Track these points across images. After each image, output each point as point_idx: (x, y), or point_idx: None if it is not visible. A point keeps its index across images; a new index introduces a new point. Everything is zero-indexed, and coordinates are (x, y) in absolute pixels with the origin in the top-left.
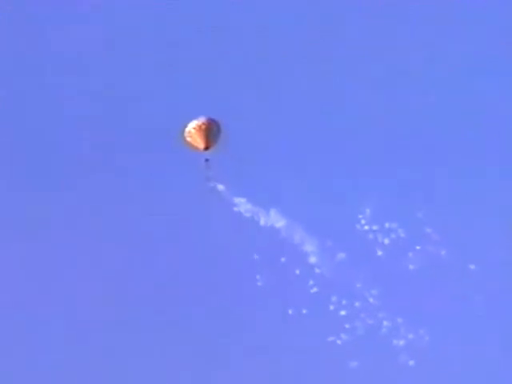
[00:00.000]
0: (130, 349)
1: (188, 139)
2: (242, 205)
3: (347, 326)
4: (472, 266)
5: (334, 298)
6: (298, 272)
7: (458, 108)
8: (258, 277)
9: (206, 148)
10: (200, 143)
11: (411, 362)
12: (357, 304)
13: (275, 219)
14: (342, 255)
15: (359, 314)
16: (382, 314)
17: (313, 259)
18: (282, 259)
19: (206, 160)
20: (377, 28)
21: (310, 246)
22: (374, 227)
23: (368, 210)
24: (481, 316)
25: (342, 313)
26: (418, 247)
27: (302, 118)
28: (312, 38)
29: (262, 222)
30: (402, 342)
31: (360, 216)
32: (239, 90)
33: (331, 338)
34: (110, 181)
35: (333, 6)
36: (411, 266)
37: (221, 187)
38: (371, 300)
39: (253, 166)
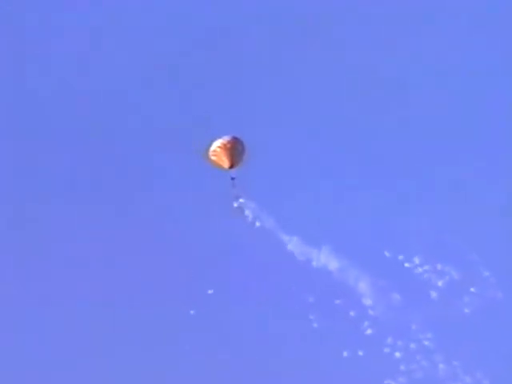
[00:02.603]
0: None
1: (213, 158)
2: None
3: (402, 367)
4: None
5: (389, 340)
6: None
7: None
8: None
9: (231, 166)
10: (225, 162)
11: None
12: (412, 346)
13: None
14: (396, 296)
15: (415, 356)
16: (437, 356)
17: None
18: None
19: (232, 178)
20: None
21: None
22: (426, 268)
23: (422, 250)
24: None
25: (397, 355)
26: (472, 289)
27: (333, 139)
28: (331, 55)
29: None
30: None
31: (414, 257)
32: (263, 108)
33: (387, 381)
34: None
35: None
36: (466, 310)
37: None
38: (426, 343)
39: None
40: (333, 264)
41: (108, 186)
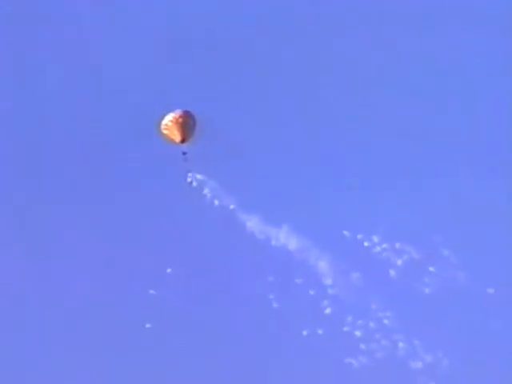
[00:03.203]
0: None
1: (165, 132)
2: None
3: (362, 346)
4: (490, 290)
5: (348, 319)
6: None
7: None
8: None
9: (183, 141)
10: (177, 136)
11: None
12: (372, 325)
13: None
14: (355, 275)
15: (374, 335)
16: (397, 335)
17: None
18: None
19: (184, 153)
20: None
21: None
22: (385, 246)
23: (380, 229)
24: (498, 338)
25: (357, 333)
26: (431, 269)
27: (293, 119)
28: (297, 33)
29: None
30: (419, 364)
31: (373, 236)
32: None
33: (348, 360)
34: (88, 176)
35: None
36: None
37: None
38: (386, 321)
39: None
40: (292, 243)
41: (62, 163)
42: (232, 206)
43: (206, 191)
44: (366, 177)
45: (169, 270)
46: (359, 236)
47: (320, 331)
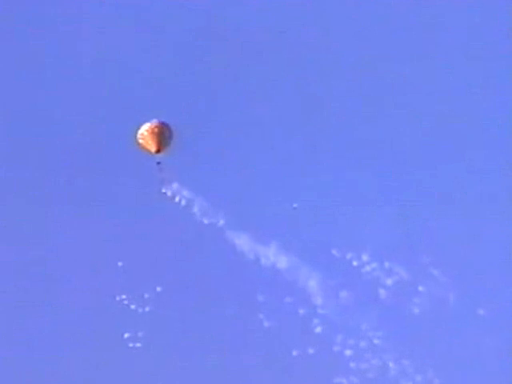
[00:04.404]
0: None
1: (140, 141)
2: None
3: (353, 365)
4: (481, 312)
5: (339, 338)
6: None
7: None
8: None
9: (158, 151)
10: (152, 146)
11: None
12: (362, 344)
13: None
14: (345, 294)
15: (365, 354)
16: (388, 355)
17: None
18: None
19: (158, 163)
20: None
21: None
22: (375, 266)
23: (370, 249)
24: (489, 360)
25: (348, 353)
26: (421, 288)
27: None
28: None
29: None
30: None
31: (363, 255)
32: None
33: (338, 380)
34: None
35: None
36: (416, 309)
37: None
38: (376, 341)
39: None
40: (281, 262)
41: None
42: (221, 223)
43: (195, 209)
44: (355, 196)
45: (158, 289)
46: (348, 255)
47: (310, 351)
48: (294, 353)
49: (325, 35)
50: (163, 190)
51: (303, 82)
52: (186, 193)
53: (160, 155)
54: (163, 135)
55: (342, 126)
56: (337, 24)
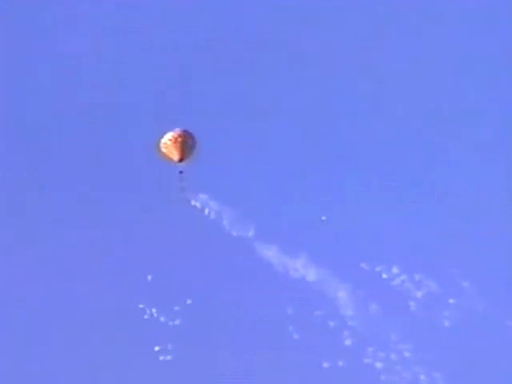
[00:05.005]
0: None
1: (163, 150)
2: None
3: (383, 378)
4: (510, 323)
5: (369, 351)
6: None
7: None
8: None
9: (181, 160)
10: (175, 155)
11: None
12: (393, 357)
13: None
14: (374, 307)
15: (395, 367)
16: (418, 367)
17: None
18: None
19: (181, 172)
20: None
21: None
22: (404, 278)
23: (399, 261)
24: None
25: (378, 365)
26: (451, 301)
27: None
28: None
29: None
30: None
31: (392, 268)
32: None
33: None
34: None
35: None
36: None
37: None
38: (407, 354)
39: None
40: (311, 274)
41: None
42: (250, 235)
43: (224, 222)
44: (384, 208)
45: (188, 302)
46: (378, 268)
47: (340, 363)
48: (325, 365)
49: (332, 41)
50: (192, 203)
51: (323, 94)
52: (213, 204)
53: (183, 164)
54: (186, 144)
55: (372, 143)
56: (344, 28)
